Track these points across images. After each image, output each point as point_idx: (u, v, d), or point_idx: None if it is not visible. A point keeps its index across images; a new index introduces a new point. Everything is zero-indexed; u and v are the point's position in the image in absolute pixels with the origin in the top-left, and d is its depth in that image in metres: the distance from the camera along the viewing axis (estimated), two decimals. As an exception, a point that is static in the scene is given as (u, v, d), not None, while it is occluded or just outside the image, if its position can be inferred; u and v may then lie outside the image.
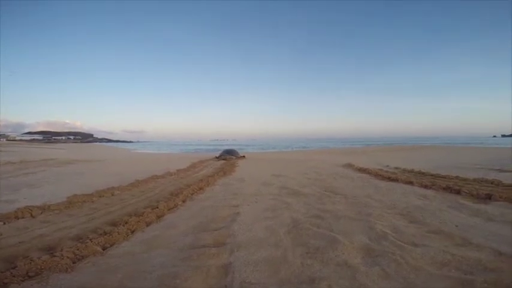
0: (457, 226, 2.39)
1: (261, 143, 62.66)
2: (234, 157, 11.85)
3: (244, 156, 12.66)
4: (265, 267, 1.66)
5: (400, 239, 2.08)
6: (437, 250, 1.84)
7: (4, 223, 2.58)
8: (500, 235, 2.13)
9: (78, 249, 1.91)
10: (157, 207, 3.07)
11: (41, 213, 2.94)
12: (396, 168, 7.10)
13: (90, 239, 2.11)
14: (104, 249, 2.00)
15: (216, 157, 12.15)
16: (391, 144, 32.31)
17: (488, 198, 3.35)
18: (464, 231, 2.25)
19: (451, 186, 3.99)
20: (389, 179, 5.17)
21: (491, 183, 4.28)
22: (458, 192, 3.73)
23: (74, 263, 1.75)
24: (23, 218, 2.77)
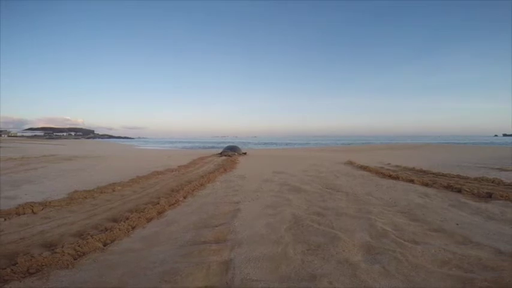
0: (457, 224, 2.38)
1: (263, 140, 62.63)
2: (235, 154, 11.91)
3: (245, 153, 12.73)
4: (266, 263, 1.66)
5: (401, 236, 2.08)
6: (438, 248, 1.84)
7: (5, 219, 2.59)
8: (500, 234, 2.13)
9: (79, 246, 1.91)
10: (158, 203, 3.07)
11: (42, 209, 2.95)
12: (397, 166, 7.09)
13: (91, 235, 2.11)
14: (104, 246, 2.00)
15: (218, 154, 12.20)
16: (392, 143, 32.25)
17: (489, 197, 3.35)
18: (465, 229, 2.24)
19: (452, 185, 3.98)
20: (390, 176, 5.15)
21: (492, 182, 4.27)
22: (459, 190, 3.73)
23: (74, 259, 1.76)
24: (24, 214, 2.78)
